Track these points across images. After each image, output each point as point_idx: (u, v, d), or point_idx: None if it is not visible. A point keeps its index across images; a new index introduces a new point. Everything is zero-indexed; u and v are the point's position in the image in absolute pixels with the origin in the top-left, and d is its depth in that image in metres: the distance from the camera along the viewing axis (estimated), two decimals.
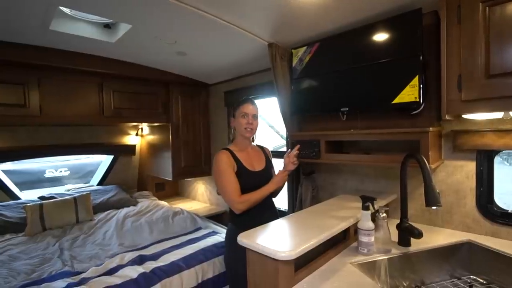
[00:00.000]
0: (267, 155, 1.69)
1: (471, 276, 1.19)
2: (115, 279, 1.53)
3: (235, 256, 1.44)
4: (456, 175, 1.42)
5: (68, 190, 3.00)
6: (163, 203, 3.07)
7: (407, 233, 1.21)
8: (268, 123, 3.76)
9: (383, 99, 1.42)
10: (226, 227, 1.64)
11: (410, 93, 1.32)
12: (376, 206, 1.22)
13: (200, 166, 3.09)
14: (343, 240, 1.25)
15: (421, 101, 1.29)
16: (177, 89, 2.88)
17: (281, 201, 2.10)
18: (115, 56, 2.34)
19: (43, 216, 2.35)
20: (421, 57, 1.29)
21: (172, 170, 2.87)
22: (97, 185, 3.31)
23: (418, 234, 1.15)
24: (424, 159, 1.09)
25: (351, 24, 1.57)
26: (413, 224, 1.22)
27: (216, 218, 2.87)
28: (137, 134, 3.36)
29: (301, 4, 1.42)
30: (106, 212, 2.70)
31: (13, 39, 1.89)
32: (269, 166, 1.65)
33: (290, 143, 1.83)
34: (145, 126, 3.32)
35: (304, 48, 1.76)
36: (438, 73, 1.19)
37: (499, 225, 1.29)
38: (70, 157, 3.74)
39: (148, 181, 3.47)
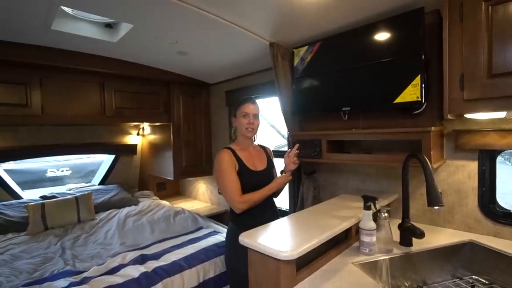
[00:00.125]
0: (269, 155, 1.69)
1: (473, 276, 1.19)
2: (116, 279, 1.54)
3: (235, 256, 1.44)
4: (458, 174, 1.41)
5: (70, 190, 3.01)
6: (164, 202, 3.08)
7: (408, 233, 1.20)
8: (269, 122, 3.76)
9: (384, 98, 1.42)
10: (227, 227, 1.65)
11: (412, 93, 1.31)
12: (377, 206, 1.22)
13: (201, 166, 3.09)
14: (345, 240, 1.25)
15: (423, 100, 1.29)
16: (178, 88, 2.89)
17: (282, 200, 2.10)
18: (116, 56, 2.34)
19: (45, 215, 2.36)
20: (423, 56, 1.29)
21: (173, 170, 2.88)
22: (99, 184, 3.32)
23: (420, 234, 1.15)
24: (426, 159, 1.09)
25: (352, 23, 1.56)
26: (414, 224, 1.22)
27: (217, 217, 2.88)
28: (138, 134, 3.37)
29: (302, 4, 1.42)
30: (107, 212, 2.71)
31: (15, 39, 1.90)
32: (270, 165, 1.65)
33: (291, 143, 1.82)
34: (146, 125, 3.33)
35: (306, 47, 1.76)
36: (440, 72, 1.18)
37: (501, 225, 1.28)
38: (71, 157, 3.75)
39: (149, 180, 3.47)
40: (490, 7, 1.02)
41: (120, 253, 1.86)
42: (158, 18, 1.65)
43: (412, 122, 1.44)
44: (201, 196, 3.42)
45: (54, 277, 1.59)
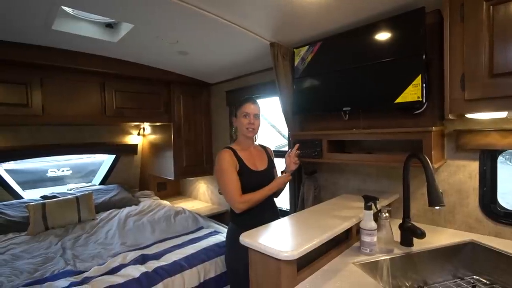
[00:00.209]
0: (269, 155, 1.69)
1: (474, 276, 1.18)
2: (117, 278, 1.54)
3: (236, 256, 1.44)
4: (458, 174, 1.41)
5: (70, 190, 3.01)
6: (165, 202, 3.08)
7: (409, 233, 1.20)
8: (270, 122, 3.76)
9: (385, 98, 1.42)
10: (227, 227, 1.65)
11: (412, 93, 1.31)
12: (378, 206, 1.22)
13: (202, 166, 3.09)
14: (346, 240, 1.25)
15: (424, 100, 1.29)
16: (179, 88, 2.89)
17: (283, 200, 2.10)
18: (117, 56, 2.34)
19: (46, 215, 2.36)
20: (424, 56, 1.28)
21: (174, 170, 2.88)
22: (99, 184, 3.32)
23: (421, 234, 1.15)
24: (427, 159, 1.09)
25: (353, 23, 1.56)
26: (415, 224, 1.22)
27: (217, 217, 2.88)
28: (139, 134, 3.37)
29: (302, 3, 1.42)
30: (108, 212, 2.71)
31: (15, 39, 1.90)
32: (271, 165, 1.65)
33: (292, 143, 1.82)
34: (147, 125, 3.32)
35: (306, 47, 1.76)
36: (441, 72, 1.18)
37: (503, 225, 1.28)
38: (72, 157, 3.75)
39: (150, 180, 3.47)
40: (491, 6, 1.02)
41: (120, 253, 1.86)
42: (158, 18, 1.65)
43: (413, 122, 1.43)
44: (202, 196, 3.42)
45: (54, 277, 1.59)
